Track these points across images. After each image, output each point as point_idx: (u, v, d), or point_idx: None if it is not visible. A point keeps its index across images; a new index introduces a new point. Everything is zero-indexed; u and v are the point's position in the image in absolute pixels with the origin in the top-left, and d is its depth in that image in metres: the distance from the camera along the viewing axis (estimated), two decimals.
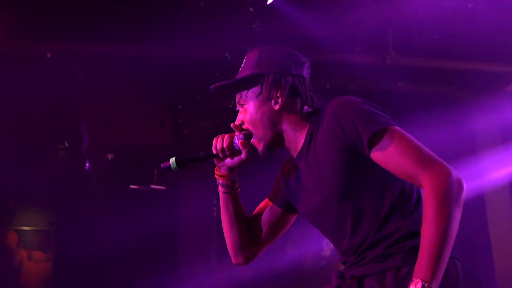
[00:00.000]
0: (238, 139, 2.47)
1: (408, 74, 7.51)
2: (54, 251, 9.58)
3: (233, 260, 2.73)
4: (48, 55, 6.46)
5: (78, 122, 7.58)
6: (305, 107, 2.46)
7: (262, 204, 2.75)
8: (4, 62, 6.68)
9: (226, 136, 2.50)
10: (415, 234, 2.19)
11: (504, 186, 8.26)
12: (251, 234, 2.68)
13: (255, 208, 2.76)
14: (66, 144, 8.51)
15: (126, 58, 6.90)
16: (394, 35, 7.10)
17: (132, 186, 8.64)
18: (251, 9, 6.32)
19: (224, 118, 7.61)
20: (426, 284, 1.95)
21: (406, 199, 2.27)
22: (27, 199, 9.42)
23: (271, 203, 2.71)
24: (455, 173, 2.09)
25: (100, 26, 6.49)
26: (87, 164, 7.65)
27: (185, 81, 7.36)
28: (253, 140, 2.47)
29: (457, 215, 2.04)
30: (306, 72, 2.51)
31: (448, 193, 2.03)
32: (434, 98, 7.98)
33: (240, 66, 2.54)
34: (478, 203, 8.19)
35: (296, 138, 2.45)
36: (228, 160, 2.55)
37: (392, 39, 7.14)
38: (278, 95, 2.43)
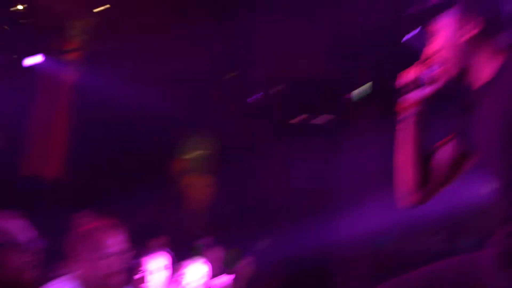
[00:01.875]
0: (427, 72, 2.41)
1: None
2: (218, 177, 9.79)
3: (406, 201, 2.56)
4: None
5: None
6: (504, 38, 2.29)
7: (442, 143, 2.57)
8: None
9: (412, 70, 2.44)
10: None
11: None
12: (429, 174, 2.52)
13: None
14: (233, 74, 8.53)
15: None
16: None
17: (297, 119, 8.60)
18: None
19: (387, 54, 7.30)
20: None
21: None
22: (193, 128, 9.61)
23: (452, 142, 2.54)
24: None
25: None
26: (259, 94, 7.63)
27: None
28: (439, 71, 2.37)
29: None
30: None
31: None
32: None
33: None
34: None
35: (484, 71, 2.30)
36: (416, 92, 2.45)
37: None
38: (475, 21, 2.28)
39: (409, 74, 2.43)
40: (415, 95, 2.46)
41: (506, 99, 2.17)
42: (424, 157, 2.53)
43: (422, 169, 2.51)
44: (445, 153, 2.53)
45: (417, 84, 2.42)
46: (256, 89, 7.76)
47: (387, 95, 2.43)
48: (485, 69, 2.28)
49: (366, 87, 2.45)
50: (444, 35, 2.35)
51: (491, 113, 2.22)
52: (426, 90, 2.42)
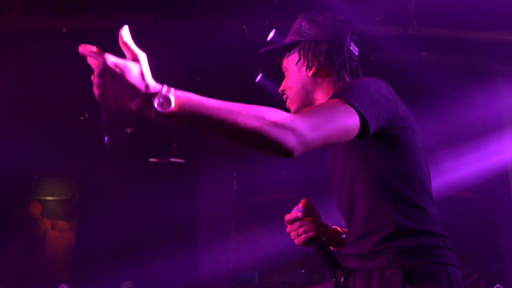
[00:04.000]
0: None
1: (431, 44, 7.35)
2: (77, 221, 9.69)
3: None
4: (64, 30, 6.41)
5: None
6: (343, 76, 2.39)
7: None
8: (21, 39, 6.67)
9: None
10: (405, 233, 2.10)
11: None
12: None
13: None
14: (87, 116, 8.52)
15: (144, 32, 6.82)
16: (416, 4, 6.93)
17: (151, 159, 8.66)
18: None
19: (243, 92, 7.54)
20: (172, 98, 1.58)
21: (401, 195, 2.15)
22: (50, 170, 9.51)
23: None
24: (308, 135, 1.77)
25: (116, 0, 6.43)
26: (106, 138, 7.64)
27: (203, 54, 7.28)
28: (287, 103, 2.45)
29: (245, 130, 1.67)
30: (348, 40, 2.42)
31: (273, 125, 1.71)
32: (458, 69, 7.81)
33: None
34: (503, 179, 8.07)
35: None
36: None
37: (415, 8, 6.97)
38: (312, 62, 2.39)
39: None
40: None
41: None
42: None
43: None
44: None
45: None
46: (109, 130, 7.72)
47: None
48: None
49: None
50: (289, 74, 2.45)
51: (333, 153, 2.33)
52: None
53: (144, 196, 8.54)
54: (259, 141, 1.70)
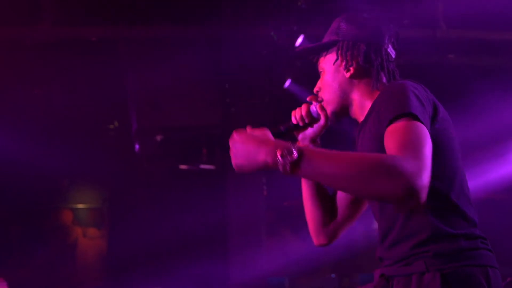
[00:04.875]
0: (315, 105, 2.42)
1: (460, 46, 7.31)
2: (108, 228, 9.76)
3: (315, 241, 2.58)
4: (93, 39, 6.49)
5: (127, 104, 7.64)
6: (381, 78, 2.38)
7: None
8: (52, 49, 6.77)
9: (304, 105, 2.44)
10: (443, 237, 2.08)
11: None
12: (334, 213, 2.56)
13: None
14: (116, 124, 8.60)
15: (173, 40, 6.89)
16: (444, 6, 6.91)
17: (181, 166, 8.71)
18: None
19: (273, 96, 7.56)
20: (295, 152, 1.82)
21: (438, 198, 2.11)
22: (80, 178, 9.60)
23: None
24: (421, 176, 1.84)
25: (145, 10, 6.49)
26: (137, 146, 7.71)
27: (232, 61, 7.32)
28: (323, 104, 2.41)
29: (363, 183, 1.83)
30: (387, 41, 2.40)
31: (386, 171, 1.81)
32: (487, 71, 7.76)
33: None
34: None
35: (362, 109, 2.38)
36: (309, 129, 2.49)
37: (442, 11, 6.95)
38: (350, 63, 2.37)
39: (301, 111, 2.44)
40: (308, 133, 2.50)
41: (367, 139, 2.25)
42: (324, 197, 2.56)
43: (325, 209, 2.54)
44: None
45: (309, 119, 2.44)
46: (139, 138, 7.79)
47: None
48: (365, 107, 2.37)
49: None
50: (326, 74, 2.43)
51: (362, 149, 2.29)
52: (314, 128, 2.47)
53: (175, 203, 8.58)
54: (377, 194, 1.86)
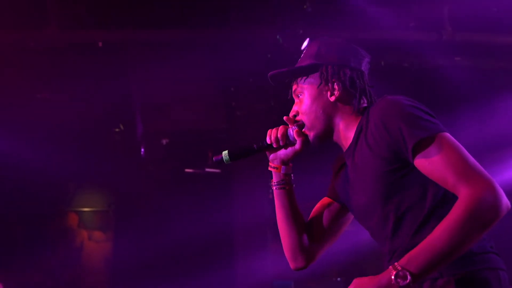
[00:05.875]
0: (292, 129, 2.43)
1: (465, 49, 7.30)
2: (114, 231, 9.76)
3: (292, 265, 2.59)
4: (100, 44, 6.50)
5: (133, 108, 7.65)
6: (363, 101, 2.41)
7: (320, 203, 2.64)
8: (58, 53, 6.78)
9: (281, 126, 2.46)
10: None
11: None
12: (310, 235, 2.57)
13: (311, 209, 2.68)
14: (122, 127, 8.60)
15: (178, 44, 6.89)
16: (450, 9, 6.89)
17: (187, 170, 8.70)
18: None
19: (278, 100, 7.55)
20: (408, 276, 1.99)
21: (447, 206, 2.13)
22: (86, 181, 9.61)
23: (329, 200, 2.61)
24: (498, 191, 1.99)
25: (151, 14, 6.50)
26: (142, 149, 7.71)
27: (237, 64, 7.32)
28: (304, 130, 2.42)
29: (475, 238, 1.99)
30: (365, 67, 2.44)
31: (479, 214, 1.96)
32: (494, 73, 7.74)
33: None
34: None
35: (346, 133, 2.39)
36: (282, 151, 2.50)
37: (448, 13, 6.93)
38: (335, 87, 2.38)
39: (277, 132, 2.45)
40: (281, 154, 2.50)
41: (364, 160, 2.26)
42: (299, 220, 2.57)
43: (300, 232, 2.55)
44: (324, 213, 2.58)
45: (284, 142, 2.45)
46: (145, 141, 7.79)
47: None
48: (349, 131, 2.38)
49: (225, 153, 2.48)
50: (307, 98, 2.42)
51: (360, 171, 2.30)
52: (288, 151, 2.47)
53: (180, 206, 8.59)
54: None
